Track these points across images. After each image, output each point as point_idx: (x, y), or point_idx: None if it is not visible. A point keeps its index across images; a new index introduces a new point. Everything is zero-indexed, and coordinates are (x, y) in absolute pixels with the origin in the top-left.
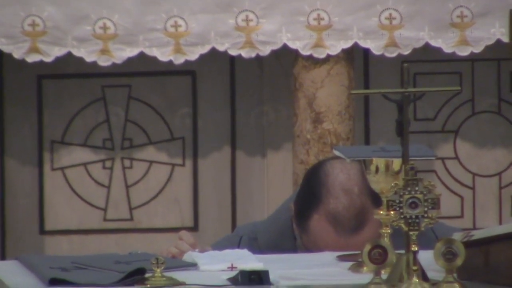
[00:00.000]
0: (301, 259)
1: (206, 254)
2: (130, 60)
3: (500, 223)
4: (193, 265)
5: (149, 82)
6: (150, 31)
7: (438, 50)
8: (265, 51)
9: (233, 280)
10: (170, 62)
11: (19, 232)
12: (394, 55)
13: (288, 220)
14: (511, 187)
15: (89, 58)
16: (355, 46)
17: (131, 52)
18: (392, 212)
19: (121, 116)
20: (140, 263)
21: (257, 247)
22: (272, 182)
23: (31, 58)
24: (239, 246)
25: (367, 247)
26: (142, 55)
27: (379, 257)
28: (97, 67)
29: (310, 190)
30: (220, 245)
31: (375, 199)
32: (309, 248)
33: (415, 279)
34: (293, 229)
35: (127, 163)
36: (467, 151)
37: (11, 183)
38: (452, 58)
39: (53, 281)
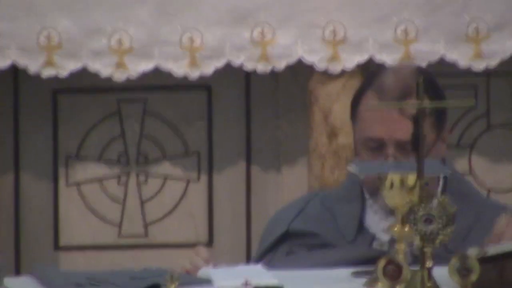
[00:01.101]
0: (316, 275)
1: (221, 270)
2: (145, 74)
3: None
4: (207, 281)
5: (164, 96)
6: (165, 44)
7: (454, 63)
8: (280, 65)
9: None
10: (185, 76)
11: (33, 247)
12: None
13: (356, 181)
14: None
15: (104, 72)
16: (371, 59)
17: (146, 65)
18: (406, 228)
19: (136, 131)
20: (155, 279)
21: (325, 208)
22: (287, 197)
23: (47, 72)
24: (302, 209)
25: (382, 263)
26: (157, 69)
27: (393, 273)
28: (112, 81)
29: (364, 86)
30: (283, 216)
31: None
32: (358, 138)
33: None
34: (362, 191)
35: (142, 178)
36: (483, 166)
37: (26, 198)
38: (468, 72)
39: None
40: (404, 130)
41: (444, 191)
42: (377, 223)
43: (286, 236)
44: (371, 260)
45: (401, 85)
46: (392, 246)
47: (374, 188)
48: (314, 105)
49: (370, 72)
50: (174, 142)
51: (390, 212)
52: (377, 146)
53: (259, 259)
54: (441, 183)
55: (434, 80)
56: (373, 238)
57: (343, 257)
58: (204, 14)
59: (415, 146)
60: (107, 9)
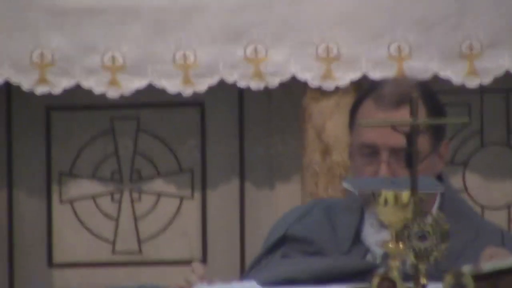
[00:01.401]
0: None
1: (215, 287)
2: (138, 92)
3: None
4: None
5: (157, 113)
6: (158, 62)
7: (447, 81)
8: (274, 82)
9: None
10: (179, 93)
11: (27, 265)
12: None
13: (356, 197)
14: None
15: (97, 90)
16: (364, 76)
17: (139, 83)
18: (401, 245)
19: (129, 148)
20: None
21: (326, 216)
22: (280, 214)
23: (40, 90)
24: (304, 215)
25: (376, 280)
26: (150, 86)
27: None
28: (105, 99)
29: (363, 94)
30: (286, 221)
31: (425, 96)
32: (354, 145)
33: None
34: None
35: (135, 195)
36: (476, 184)
37: (19, 215)
38: (461, 89)
39: None
40: (398, 137)
41: (441, 208)
42: (372, 236)
43: (284, 240)
44: (363, 272)
45: (399, 95)
46: (385, 260)
47: (366, 201)
48: (307, 122)
49: (370, 81)
50: (167, 159)
51: (385, 225)
52: (372, 152)
53: (257, 262)
54: (437, 200)
55: (434, 93)
56: (367, 250)
57: (335, 267)
58: (197, 31)
59: (408, 162)
60: (100, 27)
